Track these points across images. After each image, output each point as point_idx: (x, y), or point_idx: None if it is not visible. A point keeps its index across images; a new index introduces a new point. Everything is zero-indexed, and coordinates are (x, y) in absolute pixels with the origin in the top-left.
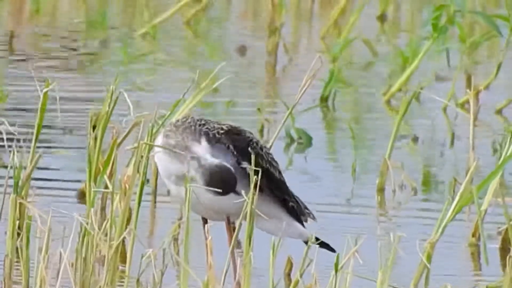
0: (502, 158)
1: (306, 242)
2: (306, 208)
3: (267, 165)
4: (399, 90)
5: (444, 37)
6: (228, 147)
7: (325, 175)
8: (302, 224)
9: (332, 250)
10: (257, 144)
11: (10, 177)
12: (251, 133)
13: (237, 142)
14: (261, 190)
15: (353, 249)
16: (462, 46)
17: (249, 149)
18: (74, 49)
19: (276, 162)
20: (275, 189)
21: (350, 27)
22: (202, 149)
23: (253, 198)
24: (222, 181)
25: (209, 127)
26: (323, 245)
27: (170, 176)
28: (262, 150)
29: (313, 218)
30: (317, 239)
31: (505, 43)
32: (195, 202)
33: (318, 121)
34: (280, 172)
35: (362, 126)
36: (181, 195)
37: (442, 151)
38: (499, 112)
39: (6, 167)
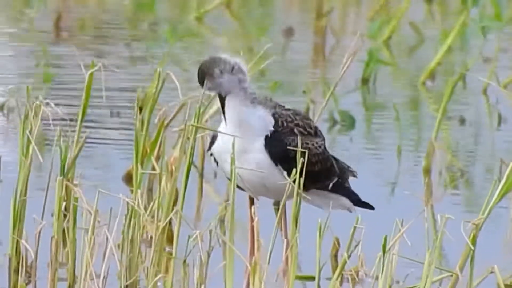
0: None
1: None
2: (348, 167)
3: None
4: (437, 65)
5: (482, 13)
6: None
7: (370, 157)
8: (347, 197)
9: (371, 207)
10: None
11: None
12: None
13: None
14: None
15: (401, 231)
16: (499, 24)
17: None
18: (122, 31)
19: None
20: (318, 183)
21: (402, 10)
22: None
23: (299, 181)
24: None
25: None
26: (362, 204)
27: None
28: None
29: (355, 175)
30: (357, 202)
31: None
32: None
33: (361, 103)
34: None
35: (404, 108)
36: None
37: (487, 132)
38: None
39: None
